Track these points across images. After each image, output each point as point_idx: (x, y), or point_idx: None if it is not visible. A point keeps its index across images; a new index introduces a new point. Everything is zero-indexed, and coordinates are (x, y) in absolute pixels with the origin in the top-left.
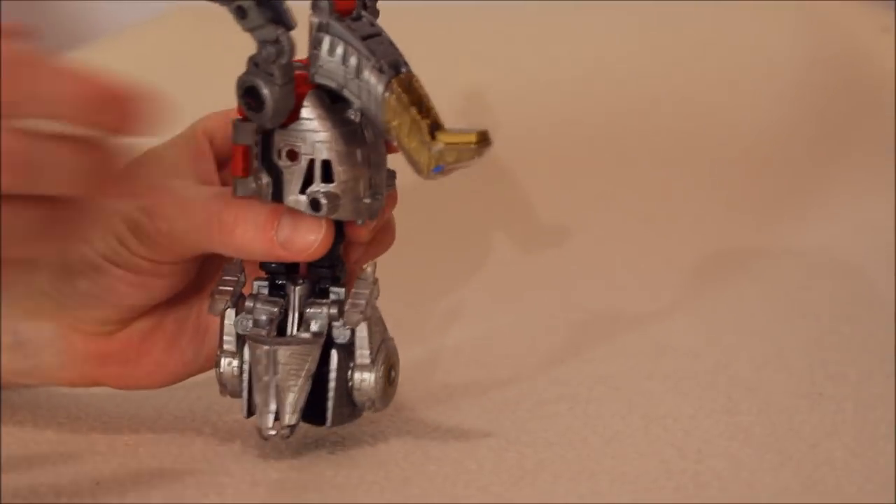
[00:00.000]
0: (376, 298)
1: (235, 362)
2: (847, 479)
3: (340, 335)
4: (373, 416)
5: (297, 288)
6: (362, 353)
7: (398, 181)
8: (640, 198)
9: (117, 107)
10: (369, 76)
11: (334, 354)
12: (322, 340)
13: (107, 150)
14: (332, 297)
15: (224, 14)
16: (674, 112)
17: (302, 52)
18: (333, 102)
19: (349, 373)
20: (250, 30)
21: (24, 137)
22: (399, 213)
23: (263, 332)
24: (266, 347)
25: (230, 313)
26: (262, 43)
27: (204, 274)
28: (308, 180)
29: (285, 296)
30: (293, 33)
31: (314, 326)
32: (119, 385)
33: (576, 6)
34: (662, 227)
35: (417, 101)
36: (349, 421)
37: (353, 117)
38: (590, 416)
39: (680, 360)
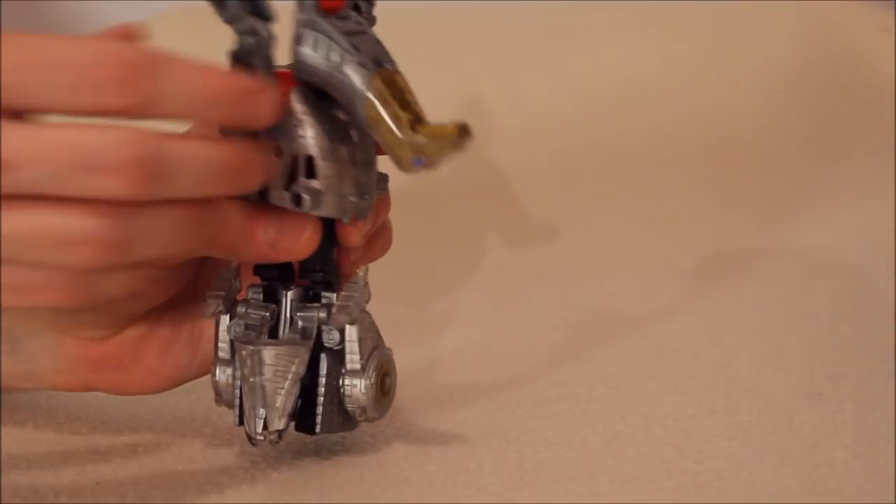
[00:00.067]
0: (367, 302)
1: (230, 370)
2: (847, 479)
3: (330, 339)
4: None
5: (289, 293)
6: (352, 359)
7: (398, 185)
8: (640, 198)
9: (247, 100)
10: (351, 71)
11: (323, 359)
12: (310, 343)
13: (244, 146)
14: (324, 301)
15: None
16: (674, 112)
17: (285, 50)
18: (320, 100)
19: (340, 379)
20: (229, 21)
21: (153, 142)
22: (399, 215)
23: (253, 336)
24: (251, 348)
25: (224, 320)
26: (241, 34)
27: (199, 279)
28: (292, 177)
29: (278, 301)
30: (273, 28)
31: (301, 327)
32: (113, 390)
33: (575, 6)
34: (662, 228)
35: (399, 95)
36: (341, 430)
37: (339, 115)
38: (590, 416)
39: (680, 360)
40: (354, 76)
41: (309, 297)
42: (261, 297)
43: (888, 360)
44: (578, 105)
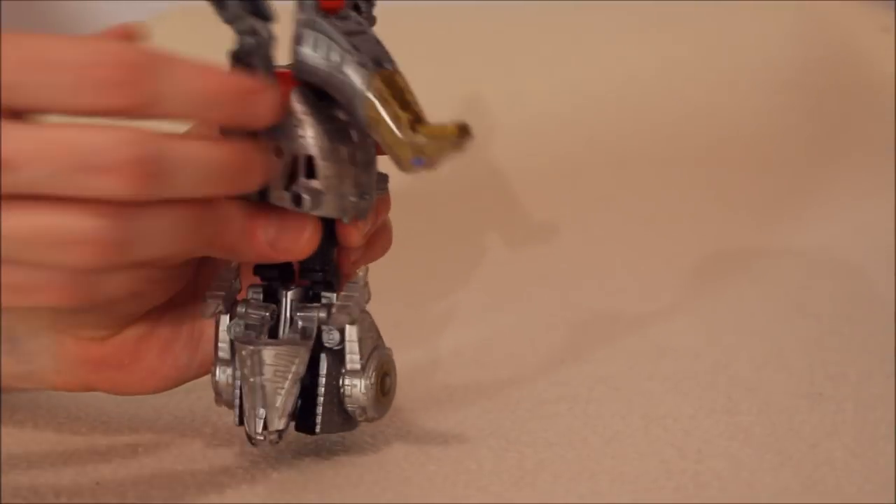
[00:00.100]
0: (367, 302)
1: (230, 370)
2: (847, 479)
3: (330, 339)
4: None
5: (289, 293)
6: (352, 359)
7: (399, 185)
8: (640, 198)
9: (247, 100)
10: (350, 71)
11: (323, 359)
12: (310, 343)
13: (244, 145)
14: (324, 301)
15: None
16: (674, 112)
17: (284, 49)
18: (320, 100)
19: (340, 379)
20: (229, 21)
21: (153, 142)
22: (399, 215)
23: (253, 336)
24: (251, 348)
25: (224, 320)
26: (240, 34)
27: (199, 279)
28: (292, 177)
29: (278, 301)
30: (273, 28)
31: (301, 326)
32: (113, 390)
33: (575, 6)
34: (662, 228)
35: (399, 95)
36: (341, 430)
37: (340, 115)
38: (590, 416)
39: (680, 360)
40: (354, 76)
41: (309, 297)
42: (261, 297)
43: (888, 360)
44: (578, 105)
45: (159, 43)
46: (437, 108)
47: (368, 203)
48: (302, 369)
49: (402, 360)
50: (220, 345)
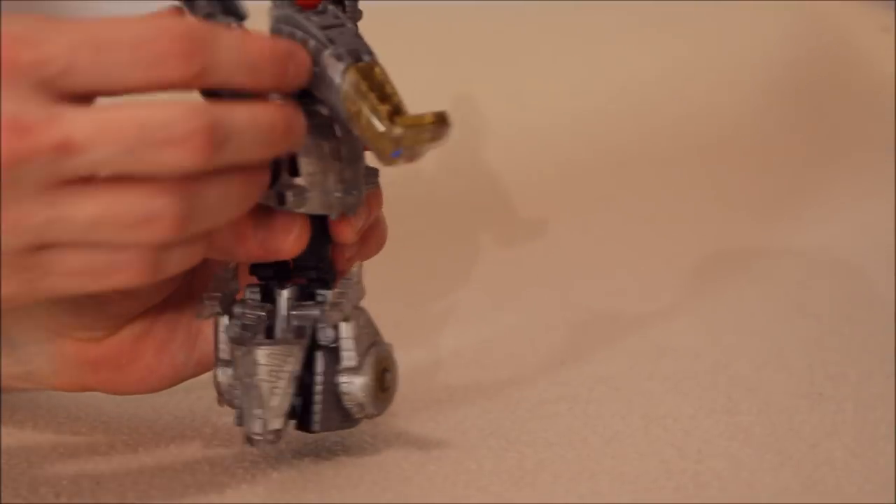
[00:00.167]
0: (361, 298)
1: (230, 370)
2: (847, 479)
3: (325, 337)
4: None
5: (285, 292)
6: (348, 356)
7: (399, 185)
8: (640, 198)
9: (287, 62)
10: (327, 64)
11: (319, 357)
12: (304, 342)
13: (290, 107)
14: (319, 299)
15: None
16: (674, 112)
17: None
18: (301, 96)
19: (337, 377)
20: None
21: (215, 110)
22: (399, 215)
23: (248, 336)
24: (245, 348)
25: (224, 320)
26: None
27: (195, 278)
28: (276, 175)
29: (274, 300)
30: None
31: (295, 325)
32: (111, 390)
33: (575, 6)
34: (662, 228)
35: (378, 88)
36: (340, 428)
37: (321, 110)
38: (590, 416)
39: (680, 360)
40: (331, 69)
41: (305, 296)
42: (258, 296)
43: (888, 360)
44: (579, 105)
45: None
46: (437, 109)
47: (356, 198)
48: (297, 368)
49: (403, 361)
50: (220, 346)
